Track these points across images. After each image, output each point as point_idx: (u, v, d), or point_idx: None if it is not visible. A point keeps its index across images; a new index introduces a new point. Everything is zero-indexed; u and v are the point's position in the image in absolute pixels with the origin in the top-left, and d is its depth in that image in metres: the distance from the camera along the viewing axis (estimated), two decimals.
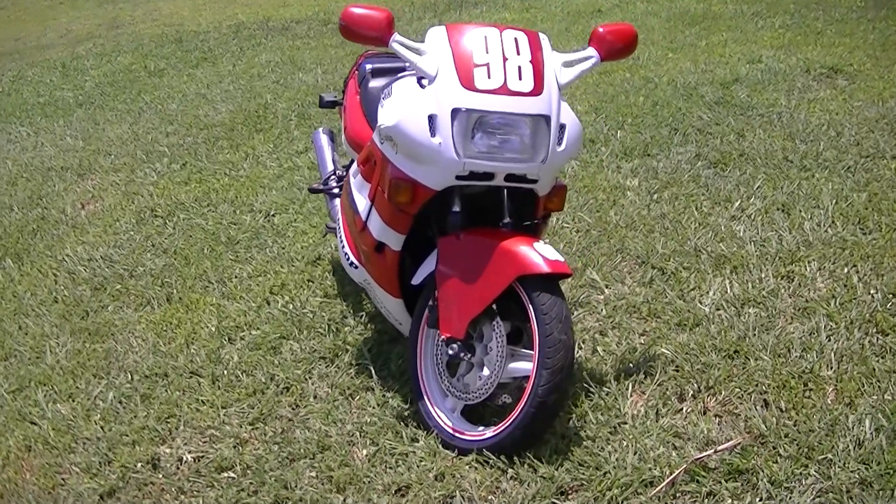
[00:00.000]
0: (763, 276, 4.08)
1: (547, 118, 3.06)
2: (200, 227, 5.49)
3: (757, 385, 3.31)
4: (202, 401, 3.72)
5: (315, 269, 4.72)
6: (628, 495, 2.88)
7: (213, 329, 4.25)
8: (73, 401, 3.87)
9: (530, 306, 3.02)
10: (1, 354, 4.36)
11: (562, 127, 3.13)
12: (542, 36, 3.21)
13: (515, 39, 3.11)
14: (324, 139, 4.73)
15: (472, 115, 3.00)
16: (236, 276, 4.78)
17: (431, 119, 3.03)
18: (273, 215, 5.54)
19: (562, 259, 3.04)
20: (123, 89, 9.75)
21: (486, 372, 3.14)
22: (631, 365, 3.55)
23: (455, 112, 3.00)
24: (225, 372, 3.89)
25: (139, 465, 3.38)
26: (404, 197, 3.18)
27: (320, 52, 10.24)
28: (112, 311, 4.62)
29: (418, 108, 3.08)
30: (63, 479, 3.40)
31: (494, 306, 3.15)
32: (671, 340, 3.67)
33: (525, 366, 3.07)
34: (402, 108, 3.14)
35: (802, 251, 4.23)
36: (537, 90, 3.06)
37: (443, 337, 3.20)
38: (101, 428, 3.64)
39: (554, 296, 3.01)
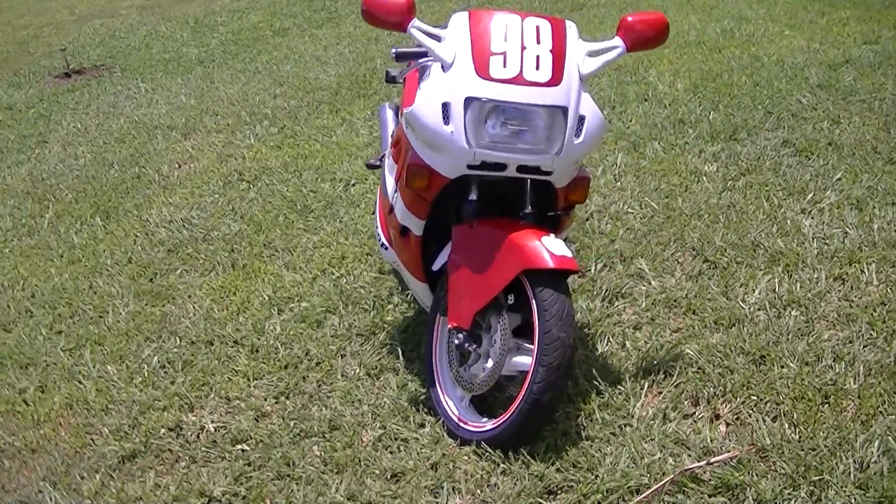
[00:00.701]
0: (815, 276, 3.92)
1: (564, 109, 3.01)
2: (281, 193, 5.60)
3: (776, 394, 3.21)
4: (236, 370, 3.82)
5: (376, 242, 4.76)
6: (613, 500, 2.84)
7: (266, 298, 4.36)
8: (122, 363, 4.04)
9: (533, 301, 3.00)
10: (68, 312, 4.57)
11: (581, 119, 3.06)
12: (568, 24, 3.15)
13: (537, 27, 3.04)
14: (389, 114, 4.73)
15: (485, 105, 2.97)
16: (301, 246, 4.86)
17: (445, 107, 3.01)
18: (353, 185, 5.61)
19: (569, 255, 2.99)
20: (245, 48, 9.98)
21: (489, 364, 3.13)
22: (655, 362, 3.48)
23: (468, 101, 2.97)
24: (265, 343, 3.98)
25: (163, 431, 3.51)
26: (420, 183, 3.18)
27: (441, 17, 10.22)
28: (178, 275, 4.77)
29: (434, 94, 3.06)
30: (92, 439, 3.56)
31: (511, 298, 3.13)
32: (702, 340, 3.58)
33: (528, 360, 3.04)
34: (421, 94, 3.14)
35: (864, 251, 4.05)
36: (555, 80, 3.00)
37: (450, 326, 3.20)
38: (140, 391, 3.78)
39: (557, 292, 2.97)
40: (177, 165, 6.49)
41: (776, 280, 3.93)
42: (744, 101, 6.13)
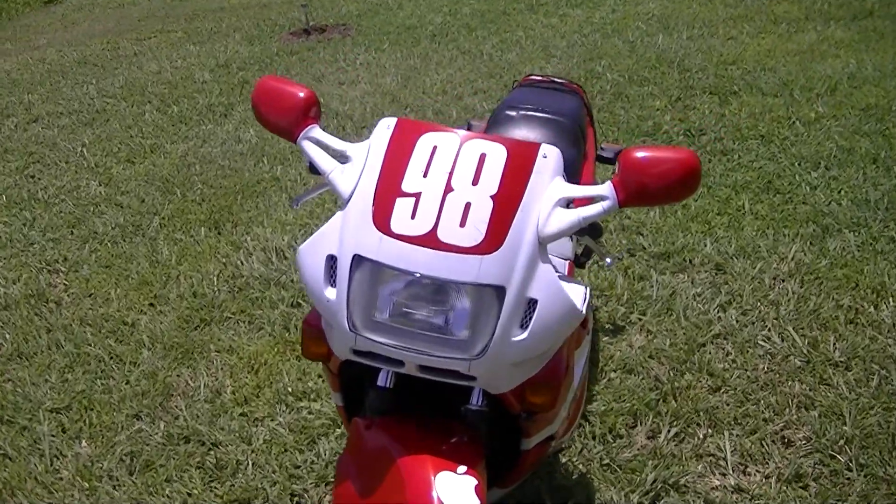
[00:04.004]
0: None
1: (498, 289, 1.95)
2: None
3: None
4: (182, 492, 3.23)
5: None
6: None
7: (282, 387, 3.71)
8: (95, 441, 3.56)
9: None
10: (91, 354, 4.13)
11: (530, 303, 1.98)
12: (543, 150, 2.03)
13: (482, 157, 1.98)
14: None
15: (378, 272, 1.98)
16: None
17: (330, 261, 2.04)
18: None
19: None
20: (488, 23, 9.25)
21: None
22: None
23: (356, 261, 1.99)
24: (236, 459, 3.36)
25: None
26: (316, 348, 2.25)
27: (708, 10, 9.03)
28: (223, 329, 4.21)
29: (321, 240, 2.09)
30: None
31: None
32: None
33: None
34: (318, 231, 2.16)
35: None
36: (489, 245, 1.92)
37: None
38: (74, 495, 3.27)
39: None
40: None
41: None
42: None
